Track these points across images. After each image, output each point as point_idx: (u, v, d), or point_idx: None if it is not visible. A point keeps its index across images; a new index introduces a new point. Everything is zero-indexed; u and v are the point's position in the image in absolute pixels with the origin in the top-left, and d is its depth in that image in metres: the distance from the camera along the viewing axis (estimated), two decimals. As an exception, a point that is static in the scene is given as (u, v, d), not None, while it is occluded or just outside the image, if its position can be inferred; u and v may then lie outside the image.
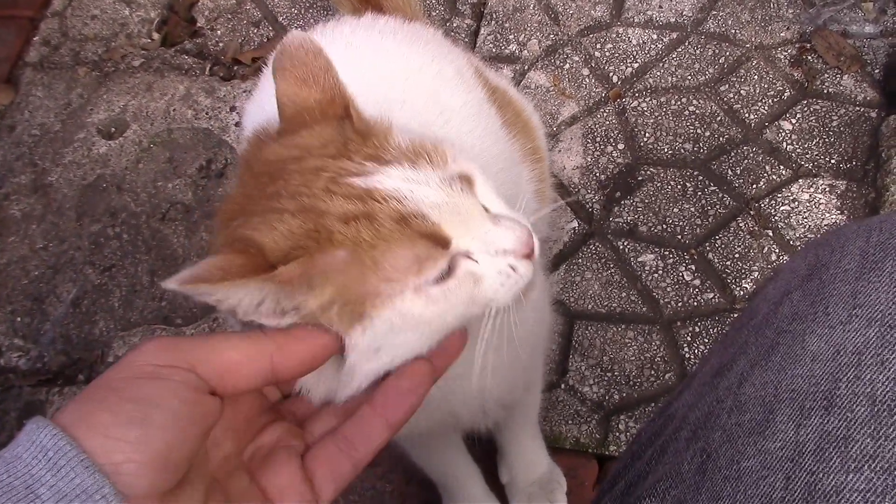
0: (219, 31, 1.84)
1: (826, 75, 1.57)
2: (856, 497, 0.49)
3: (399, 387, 0.56)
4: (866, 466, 0.50)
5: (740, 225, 1.43)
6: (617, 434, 1.28)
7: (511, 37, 1.71)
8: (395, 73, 0.93)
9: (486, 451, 1.22)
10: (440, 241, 0.57)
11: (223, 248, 0.57)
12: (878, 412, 0.52)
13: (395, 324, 0.56)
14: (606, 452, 1.27)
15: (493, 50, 1.70)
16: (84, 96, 1.76)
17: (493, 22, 1.73)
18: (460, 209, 0.58)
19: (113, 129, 1.71)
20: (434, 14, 1.75)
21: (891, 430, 0.51)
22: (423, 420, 0.73)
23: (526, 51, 1.69)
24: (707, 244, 1.42)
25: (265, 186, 0.58)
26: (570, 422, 1.30)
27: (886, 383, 0.53)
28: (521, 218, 0.62)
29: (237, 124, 1.67)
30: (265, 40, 1.81)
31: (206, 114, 1.70)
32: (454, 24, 1.75)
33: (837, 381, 0.55)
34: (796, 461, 0.53)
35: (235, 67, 1.78)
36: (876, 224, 0.63)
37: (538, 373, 1.15)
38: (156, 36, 1.86)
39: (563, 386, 1.33)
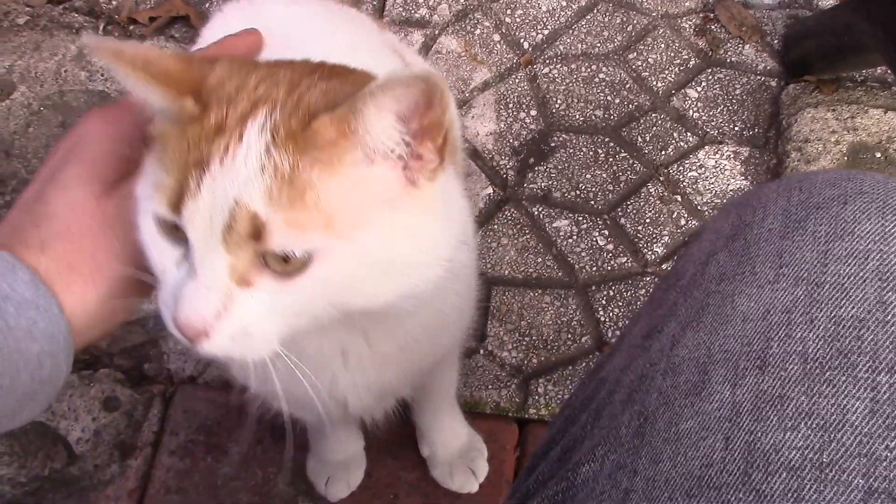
0: (112, -12, 1.74)
1: (729, 45, 1.61)
2: (794, 454, 0.50)
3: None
4: (803, 424, 0.51)
5: (650, 190, 1.46)
6: (536, 398, 1.29)
7: (421, 0, 1.68)
8: (319, 39, 0.91)
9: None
10: (179, 200, 0.53)
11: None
12: (811, 370, 0.53)
13: None
14: (526, 416, 1.28)
15: (403, 14, 1.67)
16: (-36, 56, 1.63)
17: (404, -16, 1.69)
18: (211, 218, 0.53)
19: (-2, 92, 1.60)
20: (342, -25, 1.70)
21: (824, 386, 0.52)
22: (312, 410, 0.69)
23: (436, 15, 1.67)
24: (619, 209, 1.45)
25: None
26: (489, 387, 1.30)
27: (817, 341, 0.54)
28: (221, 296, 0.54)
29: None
30: (163, -1, 1.72)
31: (102, 75, 1.60)
32: (363, -14, 1.70)
33: (769, 340, 0.56)
34: (734, 421, 0.54)
35: (132, 27, 1.68)
36: (795, 183, 0.64)
37: (454, 353, 1.10)
38: (42, -8, 1.74)
39: (482, 351, 1.33)
